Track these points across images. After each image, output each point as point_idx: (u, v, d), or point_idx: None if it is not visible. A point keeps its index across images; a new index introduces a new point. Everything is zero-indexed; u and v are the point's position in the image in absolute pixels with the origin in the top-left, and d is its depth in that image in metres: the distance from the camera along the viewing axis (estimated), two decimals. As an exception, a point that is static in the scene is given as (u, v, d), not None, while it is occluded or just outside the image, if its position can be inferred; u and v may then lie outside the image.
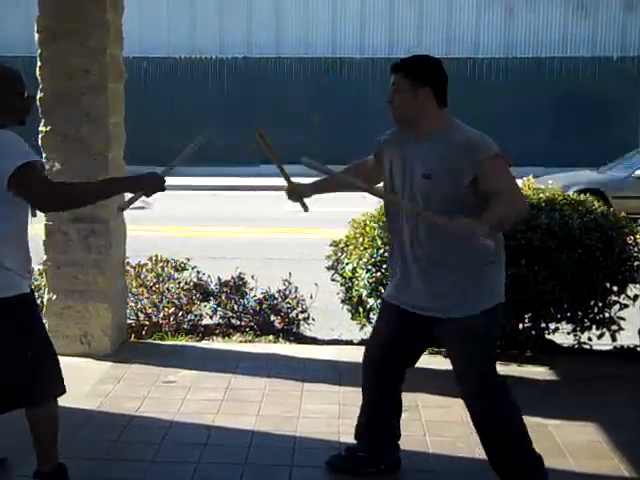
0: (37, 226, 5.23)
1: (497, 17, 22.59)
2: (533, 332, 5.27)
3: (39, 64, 5.23)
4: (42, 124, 5.25)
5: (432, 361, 4.87)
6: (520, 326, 5.28)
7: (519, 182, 5.56)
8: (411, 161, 3.24)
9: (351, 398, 4.55)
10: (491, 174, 3.09)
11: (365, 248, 5.41)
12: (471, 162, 3.09)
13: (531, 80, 21.66)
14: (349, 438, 4.00)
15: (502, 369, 4.98)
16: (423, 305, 3.32)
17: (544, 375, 5.02)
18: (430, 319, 3.32)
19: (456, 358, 3.39)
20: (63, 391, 3.40)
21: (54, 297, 5.36)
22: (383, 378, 3.60)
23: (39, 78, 5.24)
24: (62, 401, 4.33)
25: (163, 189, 3.32)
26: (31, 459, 3.43)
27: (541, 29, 22.61)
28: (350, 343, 5.81)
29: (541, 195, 5.46)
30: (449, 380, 4.28)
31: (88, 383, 4.81)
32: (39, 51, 5.22)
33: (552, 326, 5.32)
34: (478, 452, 3.84)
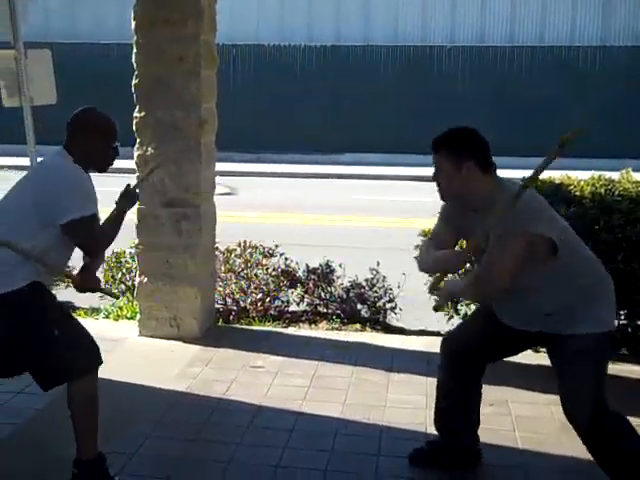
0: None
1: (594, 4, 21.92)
2: (629, 330, 5.09)
3: (135, 51, 5.33)
4: (137, 110, 5.34)
5: (522, 356, 4.76)
6: (616, 323, 5.10)
7: (615, 175, 5.45)
8: (472, 229, 3.21)
9: (438, 390, 4.50)
10: (503, 243, 3.04)
11: (455, 238, 5.31)
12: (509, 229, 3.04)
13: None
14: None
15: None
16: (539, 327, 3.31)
17: (639, 374, 4.86)
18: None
19: (568, 377, 3.26)
20: (99, 362, 3.40)
21: (145, 280, 5.46)
22: (469, 367, 3.55)
23: (135, 64, 5.33)
24: (152, 382, 4.45)
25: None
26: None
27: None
28: (438, 334, 5.73)
29: (640, 188, 5.26)
30: (539, 376, 4.19)
31: (177, 365, 4.89)
32: (135, 38, 5.31)
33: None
34: (570, 450, 3.75)
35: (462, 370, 3.54)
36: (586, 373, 3.19)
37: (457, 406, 3.59)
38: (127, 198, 3.55)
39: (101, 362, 3.41)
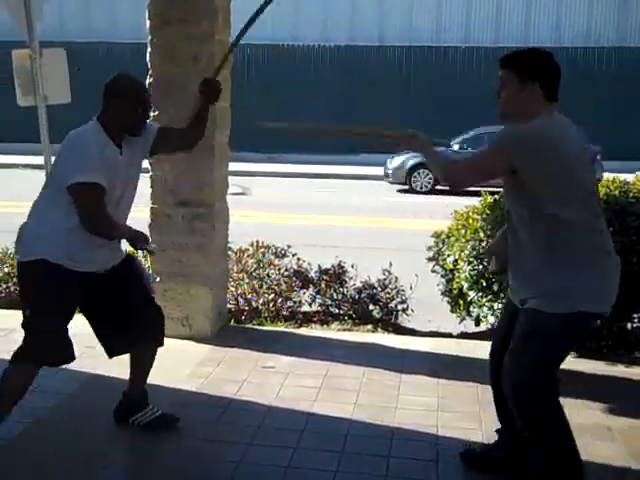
0: (144, 209, 5.35)
1: (610, 4, 21.80)
2: (643, 332, 5.07)
3: (149, 50, 5.34)
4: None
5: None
6: (629, 326, 5.08)
7: (630, 177, 5.42)
8: None
9: (449, 391, 4.49)
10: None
11: (467, 240, 5.31)
12: None
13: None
14: (447, 431, 3.96)
15: (609, 370, 4.87)
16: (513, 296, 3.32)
17: (652, 376, 4.83)
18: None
19: (513, 343, 3.24)
20: (45, 363, 3.56)
21: (157, 279, 5.47)
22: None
23: (149, 64, 5.34)
24: (164, 381, 4.45)
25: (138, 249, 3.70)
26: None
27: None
28: (449, 336, 5.73)
29: (655, 190, 5.24)
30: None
31: (189, 365, 4.90)
32: (149, 37, 5.32)
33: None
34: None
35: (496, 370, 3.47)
36: (535, 347, 3.12)
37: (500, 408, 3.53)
38: (208, 87, 3.89)
39: (52, 364, 3.59)
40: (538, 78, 3.11)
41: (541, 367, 3.14)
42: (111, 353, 3.84)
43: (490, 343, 3.57)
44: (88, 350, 4.29)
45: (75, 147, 3.47)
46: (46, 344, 3.50)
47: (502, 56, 3.21)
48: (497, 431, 3.65)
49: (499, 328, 3.57)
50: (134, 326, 3.71)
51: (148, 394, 3.98)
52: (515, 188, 3.11)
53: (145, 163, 5.33)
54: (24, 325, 3.50)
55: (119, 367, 4.06)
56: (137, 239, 3.56)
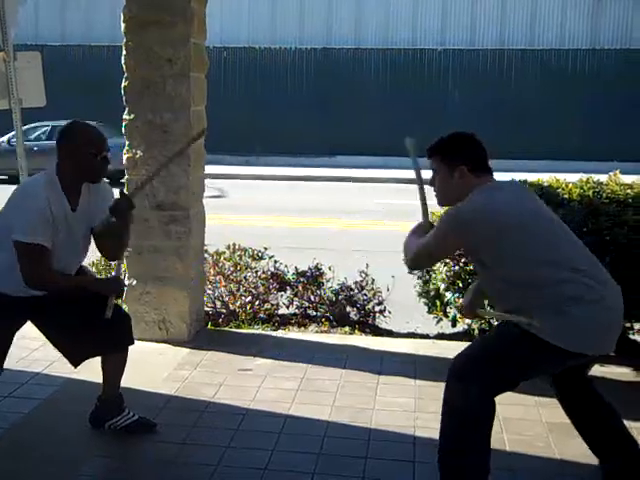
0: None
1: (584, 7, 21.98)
2: (617, 332, 5.11)
3: (124, 53, 5.32)
4: (126, 112, 5.34)
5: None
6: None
7: (603, 177, 5.48)
8: None
9: (427, 392, 4.51)
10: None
11: (444, 241, 5.33)
12: None
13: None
14: (424, 432, 3.97)
15: (593, 369, 4.88)
16: None
17: (628, 377, 4.87)
18: None
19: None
20: None
21: (134, 282, 5.45)
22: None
23: (124, 67, 5.32)
24: (141, 385, 4.44)
25: (120, 295, 3.72)
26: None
27: (630, 19, 21.92)
28: (426, 337, 5.76)
29: (628, 191, 5.29)
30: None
31: (166, 368, 4.88)
32: (124, 40, 5.30)
33: (637, 326, 5.15)
34: (557, 452, 3.77)
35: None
36: (487, 342, 3.23)
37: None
38: (119, 208, 3.52)
39: None
40: (464, 162, 3.19)
41: (484, 362, 3.14)
42: (75, 362, 3.81)
43: (466, 344, 3.59)
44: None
45: (24, 199, 3.43)
46: None
47: (428, 146, 3.29)
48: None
49: None
50: (96, 332, 3.64)
51: (124, 398, 3.96)
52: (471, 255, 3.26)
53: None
54: None
55: (94, 372, 4.03)
56: (105, 290, 3.56)
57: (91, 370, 4.06)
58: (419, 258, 3.32)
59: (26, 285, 3.42)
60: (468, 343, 3.58)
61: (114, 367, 3.86)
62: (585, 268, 3.07)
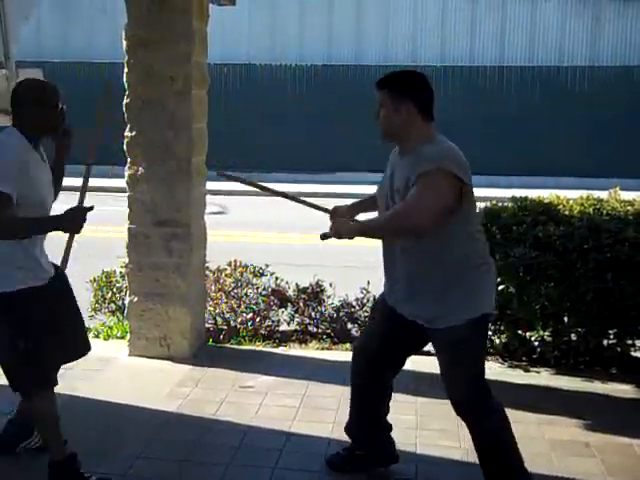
0: (120, 229, 5.34)
1: (583, 24, 22.08)
2: (618, 349, 5.11)
3: (126, 70, 5.34)
4: (128, 129, 5.36)
5: (511, 375, 4.78)
6: (605, 342, 5.13)
7: (604, 194, 5.49)
8: (393, 173, 3.33)
9: (428, 409, 4.50)
10: (415, 188, 3.09)
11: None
12: (413, 176, 3.11)
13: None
14: (426, 449, 3.97)
15: (586, 386, 4.89)
16: (409, 311, 3.38)
17: (629, 393, 4.85)
18: (419, 324, 3.35)
19: (442, 363, 3.40)
20: (48, 385, 3.46)
21: (135, 299, 5.45)
22: (375, 373, 3.70)
23: (126, 84, 5.35)
24: (142, 402, 4.43)
25: (78, 230, 3.32)
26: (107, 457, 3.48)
27: (628, 37, 22.02)
28: (427, 354, 5.73)
29: (629, 208, 5.30)
30: (529, 395, 4.20)
31: (167, 385, 4.87)
32: (126, 58, 5.33)
33: (639, 343, 5.15)
34: (559, 469, 3.76)
35: (373, 378, 3.72)
36: (460, 358, 3.29)
37: (371, 415, 3.77)
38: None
39: (49, 386, 3.47)
40: (413, 99, 3.23)
41: (475, 376, 3.33)
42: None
43: None
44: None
45: None
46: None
47: (378, 79, 3.34)
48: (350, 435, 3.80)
49: (376, 326, 3.65)
50: (66, 341, 3.58)
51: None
52: None
53: (122, 182, 5.35)
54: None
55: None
56: (69, 221, 3.28)
57: (94, 388, 4.05)
58: (423, 217, 3.07)
59: None
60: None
61: None
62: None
